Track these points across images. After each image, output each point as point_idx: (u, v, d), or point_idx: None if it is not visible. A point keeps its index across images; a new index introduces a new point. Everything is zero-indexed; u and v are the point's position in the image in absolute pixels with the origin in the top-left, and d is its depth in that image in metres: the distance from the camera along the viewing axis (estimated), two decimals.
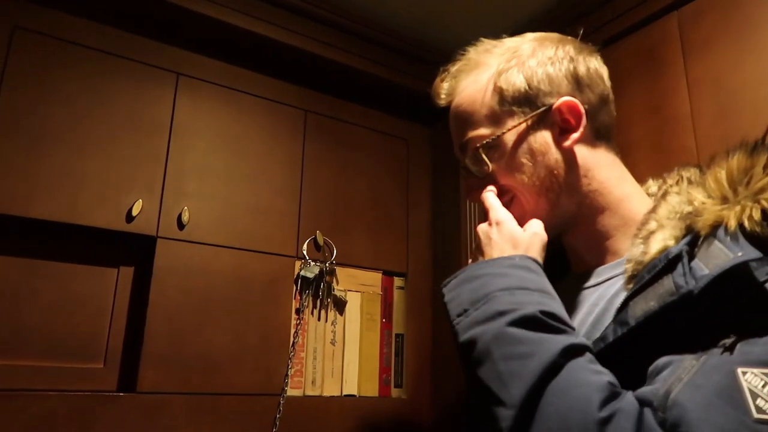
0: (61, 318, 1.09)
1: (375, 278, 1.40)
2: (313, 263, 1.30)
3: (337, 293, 1.33)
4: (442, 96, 0.68)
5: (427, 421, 1.38)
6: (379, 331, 1.38)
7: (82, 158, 1.10)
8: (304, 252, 1.30)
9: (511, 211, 0.63)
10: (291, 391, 1.22)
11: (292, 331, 1.26)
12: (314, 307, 1.30)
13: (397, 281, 1.44)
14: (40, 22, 1.10)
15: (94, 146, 1.11)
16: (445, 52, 0.78)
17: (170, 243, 1.16)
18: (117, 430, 1.03)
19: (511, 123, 0.62)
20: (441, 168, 1.53)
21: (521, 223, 0.62)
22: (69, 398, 1.01)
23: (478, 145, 0.63)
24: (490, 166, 0.63)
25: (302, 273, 1.28)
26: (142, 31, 1.20)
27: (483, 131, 0.63)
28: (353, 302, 1.35)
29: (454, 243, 1.43)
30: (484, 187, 0.65)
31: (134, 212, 1.12)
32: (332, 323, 1.32)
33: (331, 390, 1.28)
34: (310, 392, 1.25)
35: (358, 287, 1.37)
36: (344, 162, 1.41)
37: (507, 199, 0.64)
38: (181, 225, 1.17)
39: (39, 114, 1.07)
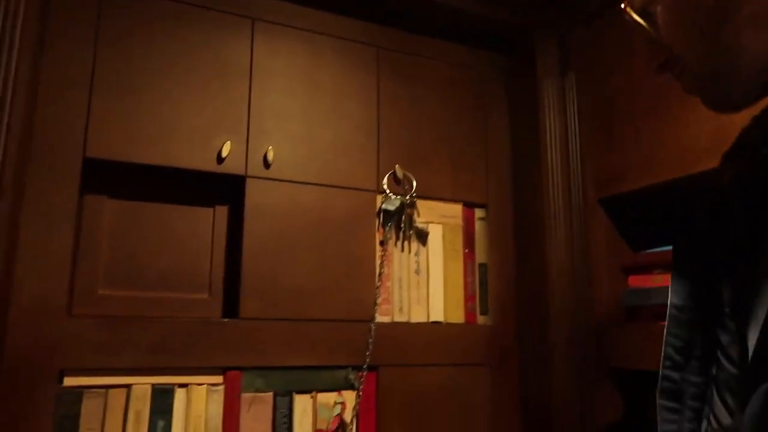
0: (169, 254, 1.19)
1: (455, 210, 1.41)
2: (393, 196, 1.33)
3: (419, 225, 1.36)
4: None
5: (512, 346, 1.40)
6: (462, 261, 1.40)
7: (173, 105, 1.18)
8: (385, 186, 1.34)
9: None
10: (380, 318, 1.28)
11: (377, 261, 1.30)
12: (397, 238, 1.34)
13: (478, 212, 1.45)
14: None
15: (182, 93, 1.19)
16: None
17: (258, 182, 1.23)
18: (222, 350, 1.13)
19: None
20: (519, 96, 1.50)
21: None
22: (181, 323, 1.12)
23: None
24: None
25: (383, 206, 1.32)
26: None
27: None
28: (435, 233, 1.38)
29: (534, 172, 1.41)
30: None
31: (224, 153, 1.19)
32: (415, 254, 1.35)
33: (418, 317, 1.33)
34: (398, 318, 1.30)
35: (439, 219, 1.39)
36: (420, 96, 1.42)
37: None
38: (266, 164, 1.23)
39: (131, 66, 1.15)
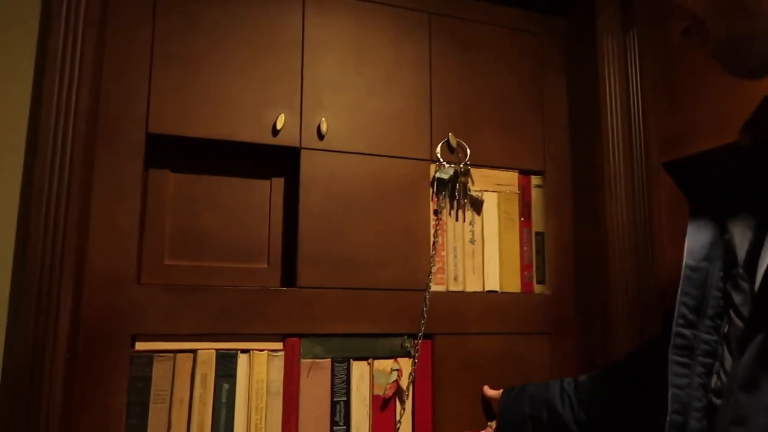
0: (229, 225, 1.23)
1: (511, 177, 1.39)
2: (447, 165, 1.32)
3: (473, 193, 1.35)
4: None
5: (571, 316, 1.38)
6: (518, 230, 1.38)
7: (227, 79, 1.20)
8: (438, 154, 1.33)
9: None
10: (435, 287, 1.28)
11: (432, 231, 1.30)
12: (451, 207, 1.33)
13: (535, 180, 1.41)
14: None
15: (236, 67, 1.21)
16: None
17: (312, 153, 1.24)
18: (281, 318, 1.17)
19: None
20: (577, 58, 1.45)
21: None
22: (241, 292, 1.16)
23: None
24: None
25: (437, 175, 1.31)
26: None
27: None
28: (490, 202, 1.36)
29: (593, 138, 1.37)
30: None
31: (278, 126, 1.21)
32: (470, 223, 1.34)
33: (473, 286, 1.32)
34: (453, 288, 1.30)
35: (494, 187, 1.37)
36: (473, 62, 1.39)
37: None
38: (320, 136, 1.25)
39: (187, 41, 1.18)
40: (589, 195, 1.37)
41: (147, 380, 1.09)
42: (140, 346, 1.10)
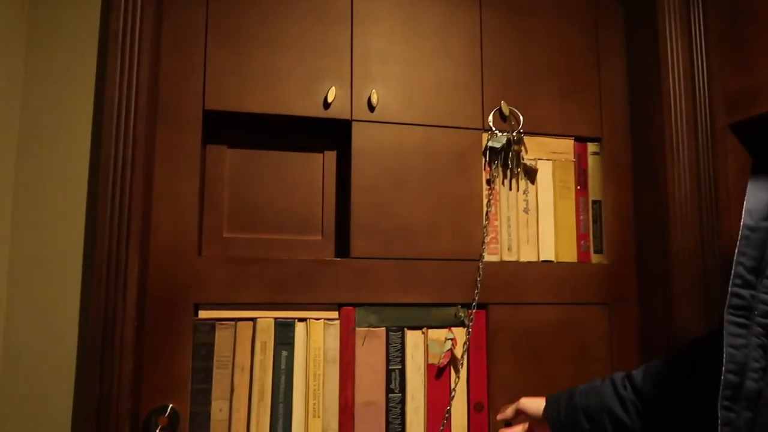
0: (283, 199, 1.26)
1: (566, 145, 1.35)
2: (499, 133, 1.30)
3: (527, 162, 1.32)
4: None
5: (631, 286, 1.34)
6: (574, 198, 1.35)
7: (279, 54, 1.22)
8: (490, 123, 1.31)
9: None
10: (488, 257, 1.27)
11: (485, 201, 1.29)
12: (504, 177, 1.31)
13: (591, 147, 1.37)
14: None
15: (287, 41, 1.22)
16: None
17: (363, 125, 1.25)
18: (336, 288, 1.19)
19: None
20: (636, 20, 1.39)
21: None
22: (297, 263, 1.19)
23: None
24: None
25: (489, 144, 1.29)
26: None
27: None
28: (544, 170, 1.33)
29: (654, 101, 1.31)
30: None
31: (329, 99, 1.22)
32: (524, 192, 1.32)
33: (527, 256, 1.30)
34: (507, 258, 1.29)
35: (548, 155, 1.34)
36: (525, 27, 1.36)
37: None
38: (371, 107, 1.25)
39: (239, 18, 1.21)
40: (650, 161, 1.32)
41: (210, 347, 1.14)
42: (203, 314, 1.14)
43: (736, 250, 0.77)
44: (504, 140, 1.29)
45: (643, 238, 1.34)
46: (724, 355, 0.75)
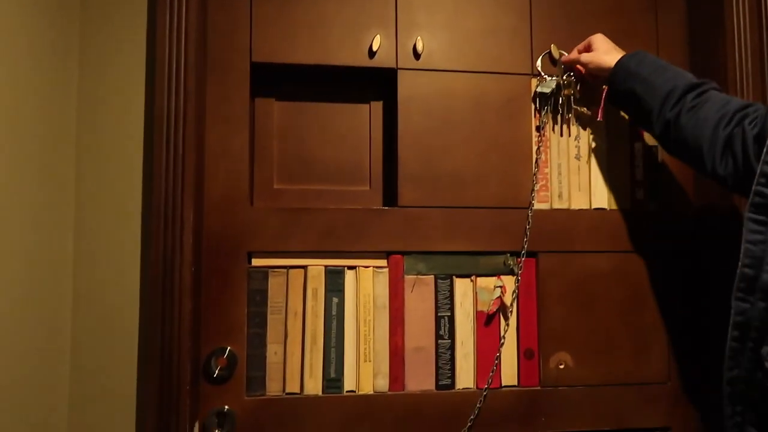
0: (331, 150, 1.27)
1: None
2: (549, 78, 1.26)
3: (578, 107, 1.28)
4: None
5: (689, 233, 1.29)
6: (629, 144, 1.30)
7: (322, 3, 1.22)
8: (539, 68, 1.27)
9: None
10: (538, 205, 1.25)
11: (534, 147, 1.27)
12: (554, 123, 1.28)
13: None
14: None
15: None
16: None
17: (409, 73, 1.24)
18: (385, 234, 1.20)
19: None
20: None
21: None
22: (347, 212, 1.20)
23: None
24: None
25: (538, 89, 1.26)
26: None
27: None
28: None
29: (716, 39, 1.24)
30: None
31: (374, 47, 1.22)
32: (575, 138, 1.29)
33: (579, 203, 1.28)
34: (557, 205, 1.27)
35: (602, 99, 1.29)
36: None
37: None
38: (416, 55, 1.24)
39: None
40: None
41: (264, 293, 1.18)
42: (256, 262, 1.18)
43: (764, 151, 0.78)
44: (554, 85, 1.26)
45: (704, 185, 1.29)
46: (742, 251, 0.79)
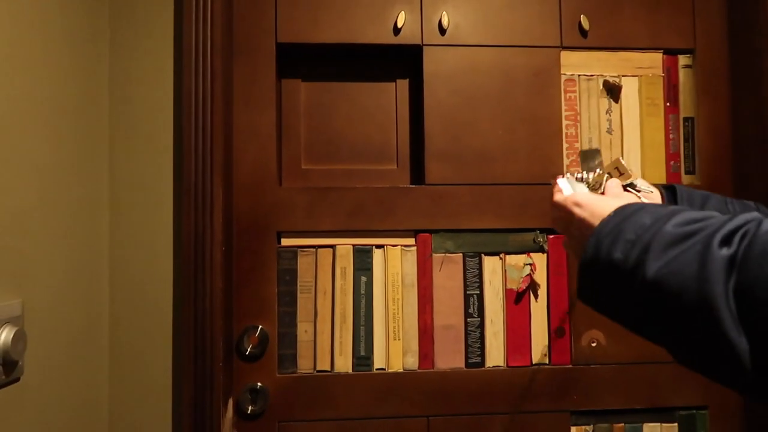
0: (358, 129, 1.27)
1: (654, 59, 1.26)
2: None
3: (610, 79, 1.25)
4: None
5: None
6: (662, 116, 1.26)
7: None
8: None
9: None
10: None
11: (564, 122, 1.24)
12: (585, 96, 1.25)
13: (683, 59, 1.27)
14: None
15: None
16: None
17: (435, 49, 1.22)
18: (412, 213, 1.20)
19: None
20: None
21: None
22: (374, 191, 1.20)
23: None
24: None
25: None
26: None
27: None
28: (629, 87, 1.25)
29: (755, 5, 1.19)
30: None
31: (399, 24, 1.21)
32: (607, 111, 1.25)
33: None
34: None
35: (633, 71, 1.26)
36: None
37: None
38: (442, 30, 1.22)
39: None
40: (750, 72, 1.20)
41: (293, 272, 1.19)
42: (285, 242, 1.19)
43: None
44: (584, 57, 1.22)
45: (741, 157, 1.24)
46: None
